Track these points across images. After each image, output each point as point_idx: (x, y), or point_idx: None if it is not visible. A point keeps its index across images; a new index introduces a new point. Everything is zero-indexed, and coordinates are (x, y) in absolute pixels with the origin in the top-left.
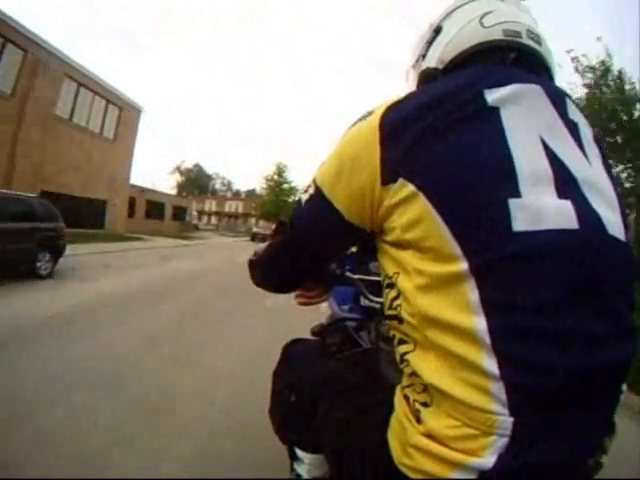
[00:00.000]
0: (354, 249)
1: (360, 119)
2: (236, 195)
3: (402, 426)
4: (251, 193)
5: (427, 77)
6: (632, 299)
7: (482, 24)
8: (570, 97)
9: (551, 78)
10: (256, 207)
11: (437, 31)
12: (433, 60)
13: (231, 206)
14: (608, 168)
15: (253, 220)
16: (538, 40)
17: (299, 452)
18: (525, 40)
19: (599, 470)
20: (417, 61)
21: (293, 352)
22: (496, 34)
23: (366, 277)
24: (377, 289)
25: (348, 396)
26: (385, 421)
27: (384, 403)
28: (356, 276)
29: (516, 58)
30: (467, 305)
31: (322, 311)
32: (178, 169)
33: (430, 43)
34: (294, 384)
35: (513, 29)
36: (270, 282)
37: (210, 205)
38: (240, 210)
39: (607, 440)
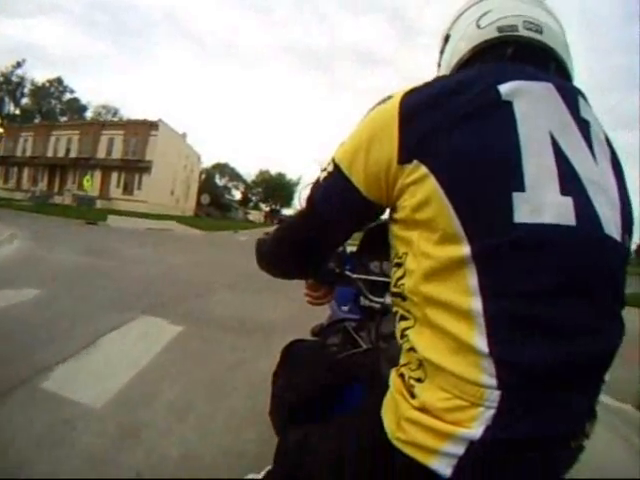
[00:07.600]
0: (354, 249)
1: (379, 102)
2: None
3: (396, 403)
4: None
5: None
6: (621, 295)
7: (478, 26)
8: (583, 95)
9: (562, 66)
10: None
11: (446, 40)
12: (444, 69)
13: (60, 143)
14: (617, 169)
15: (92, 175)
16: (538, 29)
17: None
18: (521, 32)
19: (582, 452)
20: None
21: (293, 352)
22: (490, 33)
23: (366, 277)
24: (377, 289)
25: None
26: (379, 402)
27: (380, 392)
28: (356, 276)
29: (517, 51)
30: (466, 287)
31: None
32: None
33: (442, 52)
34: (294, 384)
35: (508, 24)
36: (279, 261)
37: (25, 144)
38: (73, 153)
39: (589, 425)
